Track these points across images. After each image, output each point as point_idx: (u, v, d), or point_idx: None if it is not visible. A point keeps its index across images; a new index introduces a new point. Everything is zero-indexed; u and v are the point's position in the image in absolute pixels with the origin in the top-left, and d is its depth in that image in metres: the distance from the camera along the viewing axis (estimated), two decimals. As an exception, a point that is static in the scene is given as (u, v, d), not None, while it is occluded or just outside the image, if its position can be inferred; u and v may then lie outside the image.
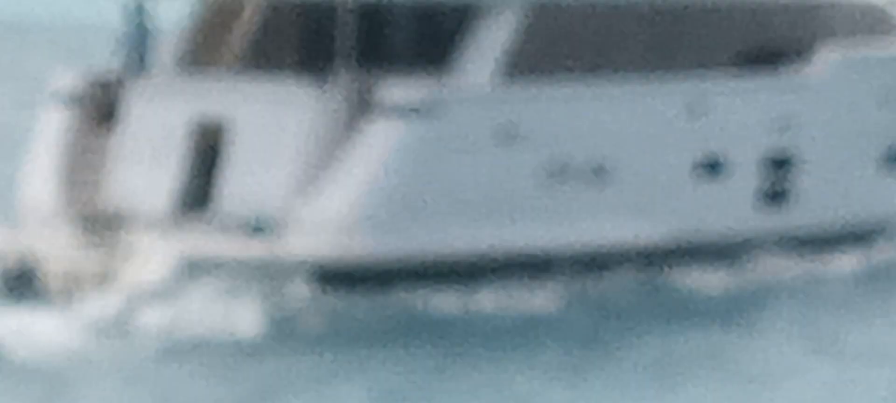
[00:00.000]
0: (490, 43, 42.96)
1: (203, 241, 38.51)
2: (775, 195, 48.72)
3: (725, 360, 35.57)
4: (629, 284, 43.69)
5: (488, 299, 40.18)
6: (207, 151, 41.81)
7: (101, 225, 40.47)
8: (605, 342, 37.66)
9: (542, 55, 44.54)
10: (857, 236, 50.82)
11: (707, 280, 44.66)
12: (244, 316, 34.32)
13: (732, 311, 42.93)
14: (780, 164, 48.69)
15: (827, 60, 50.37)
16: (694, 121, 46.75)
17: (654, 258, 44.63)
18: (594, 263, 44.11)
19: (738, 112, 49.32)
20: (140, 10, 44.39)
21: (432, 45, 45.13)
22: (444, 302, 39.47)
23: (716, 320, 41.87)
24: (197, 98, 43.38)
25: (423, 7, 46.45)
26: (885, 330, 40.68)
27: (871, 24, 54.44)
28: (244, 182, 40.86)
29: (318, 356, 34.21)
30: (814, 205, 49.97)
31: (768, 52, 49.47)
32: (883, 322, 42.22)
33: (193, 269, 36.14)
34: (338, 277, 38.57)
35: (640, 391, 30.06)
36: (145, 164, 42.31)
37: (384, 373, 31.72)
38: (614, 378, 32.71)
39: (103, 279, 37.03)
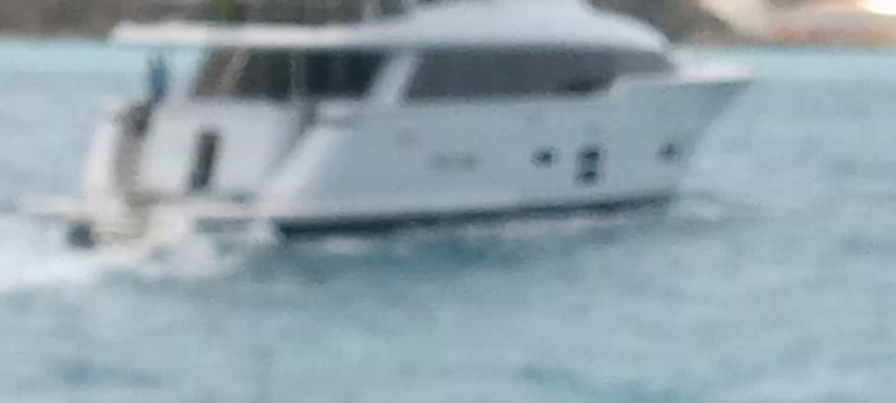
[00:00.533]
0: (395, 77, 55.33)
1: (205, 208, 50.71)
2: (588, 175, 62.03)
3: (543, 290, 47.58)
4: (486, 236, 56.62)
5: (378, 246, 53.55)
6: (208, 150, 53.88)
7: (136, 200, 52.55)
8: (445, 275, 50.99)
9: (430, 84, 56.99)
10: (644, 202, 65.66)
11: (541, 232, 58.42)
12: (224, 260, 47.55)
13: (554, 253, 55.29)
14: (590, 155, 62.14)
15: (622, 88, 64.05)
16: (532, 127, 59.69)
17: (507, 217, 58.42)
18: (465, 220, 58.08)
19: (562, 122, 62.04)
20: (161, 60, 56.74)
21: (357, 77, 56.62)
22: (357, 247, 53.18)
23: (541, 260, 54.37)
24: (201, 115, 55.18)
25: (351, 52, 57.44)
26: (660, 267, 54.98)
27: (653, 64, 67.93)
28: (232, 169, 52.65)
29: (266, 285, 47.01)
30: (614, 182, 63.49)
31: (582, 82, 63.02)
32: (659, 260, 56.18)
33: (199, 227, 49.25)
34: (292, 230, 51.26)
35: (461, 312, 41.99)
36: (166, 159, 53.90)
37: (294, 303, 44.39)
38: (442, 302, 43.77)
39: (137, 236, 49.91)
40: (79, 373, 30.24)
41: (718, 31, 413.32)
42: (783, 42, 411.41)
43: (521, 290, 45.82)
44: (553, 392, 29.01)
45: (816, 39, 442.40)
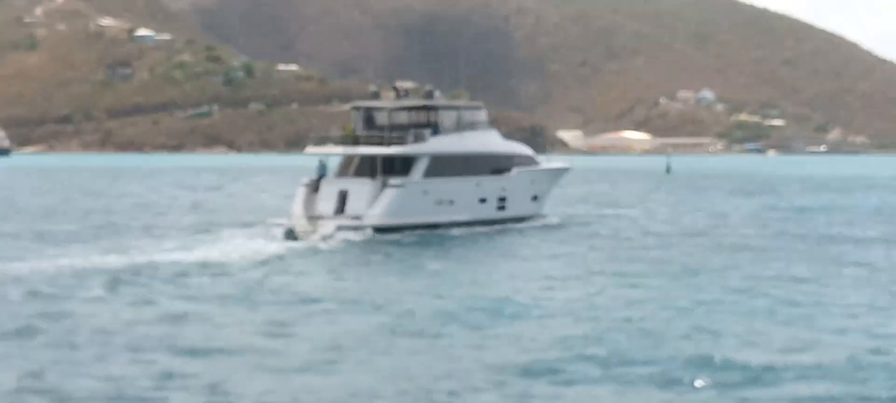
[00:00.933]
0: (419, 167, 77.56)
1: (341, 222, 72.84)
2: (501, 208, 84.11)
3: (479, 256, 67.80)
4: (458, 234, 77.72)
5: (412, 238, 74.85)
6: (342, 198, 75.64)
7: (312, 218, 74.43)
8: (439, 249, 70.57)
9: (434, 169, 78.18)
10: (524, 220, 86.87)
11: (481, 232, 79.69)
12: (349, 244, 69.43)
13: (485, 241, 75.77)
14: (502, 199, 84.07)
15: (515, 171, 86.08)
16: (477, 187, 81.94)
17: (466, 226, 79.20)
18: (448, 227, 78.93)
19: (490, 185, 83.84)
20: (323, 161, 79.41)
21: (404, 166, 77.87)
22: (403, 239, 73.90)
23: (480, 243, 74.52)
24: (340, 183, 77.27)
25: (401, 156, 78.42)
26: (524, 246, 73.31)
27: (528, 161, 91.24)
28: (352, 206, 74.88)
29: (369, 252, 67.35)
30: (513, 211, 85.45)
31: (498, 168, 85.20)
32: (525, 242, 75.15)
33: (339, 229, 71.75)
34: (377, 231, 72.83)
35: (445, 266, 60.39)
36: (325, 201, 76.03)
37: (383, 256, 67.57)
38: (437, 261, 63.40)
39: (313, 233, 71.67)
40: (297, 301, 46.31)
41: (562, 147, 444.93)
42: (591, 152, 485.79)
43: (471, 256, 66.89)
44: (481, 300, 44.59)
45: (605, 150, 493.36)
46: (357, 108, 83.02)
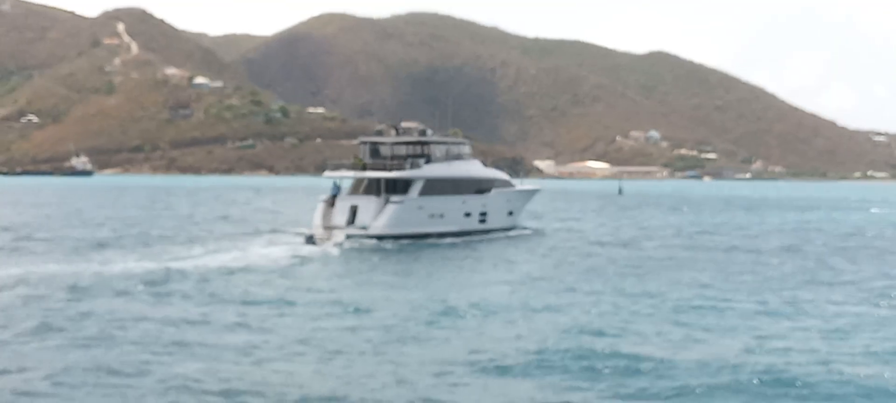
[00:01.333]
0: (416, 187, 75.82)
1: (351, 232, 71.86)
2: (483, 221, 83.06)
3: (462, 261, 64.86)
4: (447, 243, 75.67)
5: (409, 246, 73.30)
6: (353, 211, 74.18)
7: (328, 228, 73.32)
8: (430, 255, 68.52)
9: (427, 189, 76.61)
10: (502, 231, 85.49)
11: (466, 242, 77.65)
12: (357, 251, 67.66)
13: (468, 248, 73.01)
14: (484, 214, 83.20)
15: (494, 192, 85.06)
16: (463, 204, 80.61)
17: (452, 236, 78.09)
18: (439, 237, 77.43)
19: (473, 203, 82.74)
20: (337, 182, 77.98)
21: (403, 186, 76.15)
22: (402, 247, 72.64)
23: (465, 250, 71.85)
24: (351, 200, 75.49)
25: (401, 178, 76.88)
26: (503, 252, 70.19)
27: (506, 184, 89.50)
28: (360, 219, 73.38)
29: (373, 257, 65.32)
30: (492, 224, 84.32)
31: (480, 189, 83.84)
32: (501, 250, 72.00)
33: (349, 238, 71.24)
34: (379, 239, 71.64)
35: (434, 269, 59.75)
36: (339, 214, 74.52)
37: (384, 260, 66.97)
38: (429, 265, 64.42)
39: (328, 240, 70.73)
40: (298, 297, 44.80)
41: (538, 173, 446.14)
42: (561, 177, 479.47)
43: (457, 260, 64.52)
44: (464, 299, 43.01)
45: (572, 175, 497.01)
46: (365, 142, 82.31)
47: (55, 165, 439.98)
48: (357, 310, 39.56)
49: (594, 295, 44.70)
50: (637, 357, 28.86)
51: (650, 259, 66.70)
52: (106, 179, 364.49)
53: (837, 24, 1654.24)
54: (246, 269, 55.54)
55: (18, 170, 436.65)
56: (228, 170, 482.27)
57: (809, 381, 26.51)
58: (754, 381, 26.03)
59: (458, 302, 41.74)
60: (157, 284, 47.55)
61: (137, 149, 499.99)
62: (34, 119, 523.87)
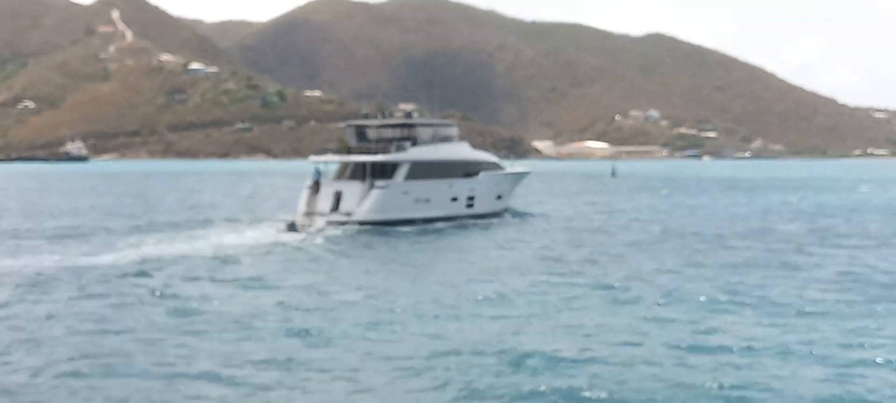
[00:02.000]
0: (401, 170, 74.23)
1: (335, 218, 70.38)
2: (470, 205, 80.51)
3: (451, 243, 64.83)
4: (433, 228, 72.94)
5: (393, 231, 70.18)
6: (337, 197, 72.80)
7: (311, 214, 71.86)
8: (417, 240, 66.22)
9: (414, 173, 75.17)
10: (490, 216, 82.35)
11: (454, 226, 75.19)
12: (341, 236, 65.22)
13: (457, 232, 71.32)
14: (471, 198, 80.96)
15: (483, 175, 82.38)
16: (450, 188, 78.49)
17: (440, 221, 75.83)
18: (425, 222, 74.76)
19: (461, 186, 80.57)
20: (318, 168, 76.28)
21: (389, 171, 74.68)
22: (386, 232, 69.72)
23: (453, 234, 70.32)
24: (336, 185, 74.09)
25: (387, 162, 75.33)
26: (490, 236, 67.59)
27: (495, 166, 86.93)
28: (345, 205, 72.05)
29: (358, 241, 64.03)
30: (480, 208, 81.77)
31: (468, 172, 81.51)
32: (489, 235, 69.51)
33: (331, 224, 69.72)
34: (363, 224, 69.77)
35: (423, 253, 58.29)
36: (323, 200, 72.98)
37: (368, 246, 63.82)
38: (415, 248, 62.36)
39: (310, 227, 69.04)
40: (294, 268, 50.13)
41: (537, 154, 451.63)
42: (560, 158, 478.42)
43: (444, 243, 64.39)
44: (452, 281, 43.25)
45: (571, 156, 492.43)
46: (350, 126, 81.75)
47: (51, 151, 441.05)
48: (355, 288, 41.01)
49: (554, 286, 41.91)
50: (562, 349, 27.30)
51: (624, 243, 63.17)
52: (101, 165, 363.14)
53: (838, 2, 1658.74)
54: (215, 257, 54.21)
55: (14, 155, 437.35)
56: (225, 154, 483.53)
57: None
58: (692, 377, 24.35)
59: (420, 296, 39.50)
60: (133, 275, 46.17)
61: (134, 133, 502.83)
62: (30, 105, 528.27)
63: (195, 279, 44.84)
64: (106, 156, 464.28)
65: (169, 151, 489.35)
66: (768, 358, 27.56)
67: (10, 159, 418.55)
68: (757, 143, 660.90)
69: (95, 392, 24.42)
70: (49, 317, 34.51)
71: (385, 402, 24.34)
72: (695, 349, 28.54)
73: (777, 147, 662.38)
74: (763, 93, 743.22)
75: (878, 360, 27.07)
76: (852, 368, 26.33)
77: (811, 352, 28.30)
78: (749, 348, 28.79)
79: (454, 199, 79.30)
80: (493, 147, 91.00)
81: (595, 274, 47.18)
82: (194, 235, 69.02)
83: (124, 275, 46.09)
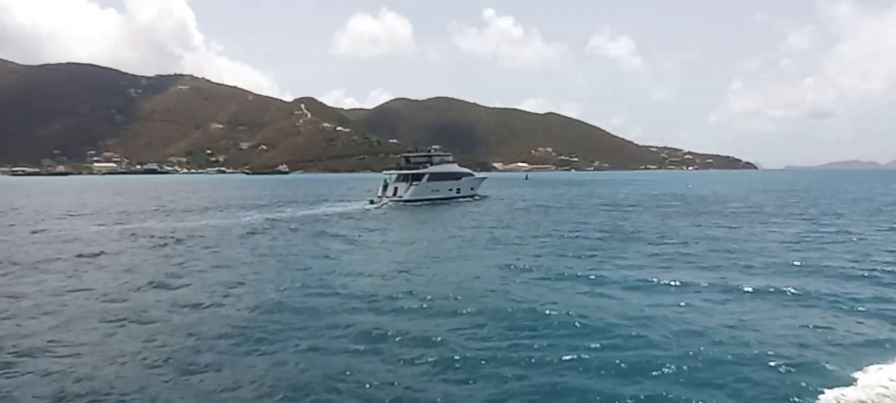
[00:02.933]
0: (425, 177, 68.71)
1: (391, 200, 65.20)
2: (458, 192, 74.49)
3: (444, 214, 55.71)
4: (440, 206, 64.12)
5: (419, 207, 63.66)
6: (395, 190, 67.26)
7: (382, 199, 66.53)
8: (432, 211, 59.02)
9: (430, 180, 69.26)
10: (470, 198, 76.32)
11: (448, 204, 65.87)
12: (394, 209, 59.16)
13: (447, 206, 63.02)
14: (458, 190, 74.44)
15: (464, 179, 76.34)
16: (446, 183, 71.94)
17: (442, 201, 68.07)
18: (435, 202, 67.11)
19: (452, 185, 73.99)
20: (387, 178, 71.14)
21: (418, 178, 68.90)
22: (418, 207, 63.79)
23: (447, 207, 61.86)
24: (394, 184, 68.43)
25: (418, 173, 69.79)
26: (464, 209, 59.40)
27: (468, 175, 78.78)
28: (397, 194, 66.69)
29: (404, 210, 58.34)
30: (462, 194, 75.04)
31: (455, 178, 74.84)
32: (462, 208, 61.17)
33: (392, 203, 64.39)
34: (406, 202, 64.41)
35: (434, 220, 49.34)
36: (388, 191, 67.64)
37: (409, 214, 57.35)
38: (430, 216, 54.52)
39: (381, 204, 63.40)
40: (376, 217, 47.97)
41: (495, 169, 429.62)
42: (505, 171, 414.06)
43: (444, 215, 53.47)
44: (438, 234, 36.33)
45: (510, 170, 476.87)
46: (402, 156, 77.28)
47: (271, 169, 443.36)
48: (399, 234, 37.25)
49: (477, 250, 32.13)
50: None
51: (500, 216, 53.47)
52: (295, 176, 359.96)
53: (635, 91, 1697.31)
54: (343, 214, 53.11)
55: (253, 172, 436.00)
56: (352, 170, 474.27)
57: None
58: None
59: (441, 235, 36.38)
60: (306, 222, 44.60)
61: (311, 161, 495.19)
62: (264, 147, 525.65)
63: (350, 216, 47.88)
64: (298, 172, 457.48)
65: (326, 169, 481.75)
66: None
67: (255, 173, 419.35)
68: (595, 164, 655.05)
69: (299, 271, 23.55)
70: (260, 245, 32.59)
71: (394, 270, 23.44)
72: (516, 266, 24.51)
73: (606, 165, 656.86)
74: (599, 140, 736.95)
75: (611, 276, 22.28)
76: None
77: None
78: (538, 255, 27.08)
79: (450, 190, 74.75)
80: (471, 165, 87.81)
81: (505, 221, 46.03)
82: (332, 204, 68.25)
83: (302, 223, 44.76)
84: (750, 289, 18.91)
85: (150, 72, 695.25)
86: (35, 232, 39.19)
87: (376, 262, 25.01)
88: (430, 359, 12.78)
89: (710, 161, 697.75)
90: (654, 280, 20.51)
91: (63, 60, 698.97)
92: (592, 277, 21.12)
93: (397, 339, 14.23)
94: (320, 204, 65.58)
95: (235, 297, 18.81)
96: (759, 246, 28.70)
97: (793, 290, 18.68)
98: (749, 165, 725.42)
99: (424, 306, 17.26)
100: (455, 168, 76.09)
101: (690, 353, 12.90)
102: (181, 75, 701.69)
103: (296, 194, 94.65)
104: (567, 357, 12.74)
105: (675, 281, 20.35)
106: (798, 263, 23.84)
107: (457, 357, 12.82)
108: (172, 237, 34.56)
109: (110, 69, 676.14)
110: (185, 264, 25.11)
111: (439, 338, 14.09)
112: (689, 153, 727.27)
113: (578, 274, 21.69)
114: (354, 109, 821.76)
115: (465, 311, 16.45)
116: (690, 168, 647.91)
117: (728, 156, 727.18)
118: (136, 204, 69.20)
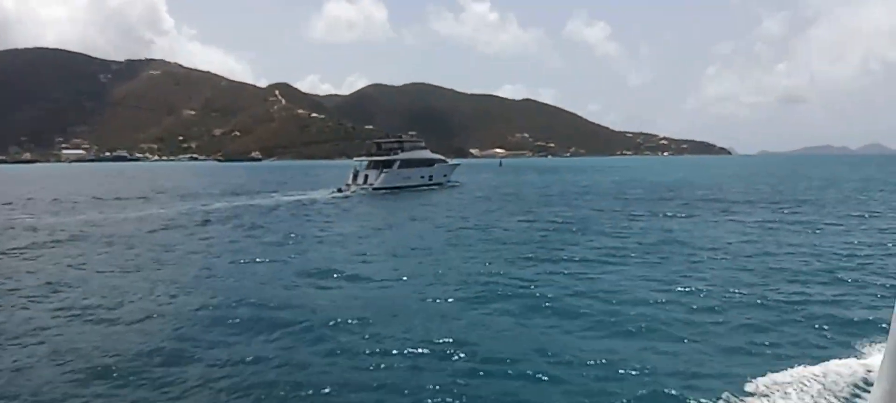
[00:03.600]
0: (396, 163, 67.77)
1: (360, 188, 64.24)
2: (430, 179, 73.21)
3: (424, 200, 55.87)
4: (414, 192, 63.79)
5: (391, 195, 65.38)
6: (365, 177, 66.67)
7: (350, 187, 65.99)
8: (404, 198, 59.15)
9: (402, 166, 68.51)
10: (439, 185, 74.35)
11: (420, 190, 66.12)
12: (364, 196, 59.53)
13: (419, 193, 62.67)
14: (431, 177, 73.35)
15: (437, 165, 74.97)
16: (419, 170, 71.27)
17: (416, 188, 67.40)
18: (409, 189, 67.63)
19: (425, 172, 72.97)
20: (357, 165, 69.60)
21: (389, 164, 68.00)
22: (386, 195, 63.71)
23: (419, 193, 62.02)
24: (364, 171, 67.65)
25: (388, 159, 68.88)
26: (441, 198, 59.68)
27: (442, 162, 77.75)
28: (368, 181, 65.94)
29: (372, 198, 58.47)
30: (436, 180, 74.05)
31: (429, 165, 73.89)
32: (440, 196, 60.92)
33: (359, 189, 63.77)
34: (376, 189, 63.40)
35: (409, 205, 51.72)
36: (359, 178, 67.05)
37: (379, 203, 55.96)
38: (403, 202, 54.65)
39: (349, 191, 63.45)
40: (344, 204, 49.39)
41: (471, 155, 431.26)
42: (481, 158, 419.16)
43: (413, 195, 58.28)
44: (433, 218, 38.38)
45: (487, 157, 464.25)
46: (372, 142, 76.40)
47: (245, 156, 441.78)
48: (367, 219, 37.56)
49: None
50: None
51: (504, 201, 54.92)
52: (267, 163, 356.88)
53: (611, 76, 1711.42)
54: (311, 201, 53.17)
55: (225, 158, 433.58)
56: (327, 157, 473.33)
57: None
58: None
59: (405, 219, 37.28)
60: (271, 210, 45.27)
61: (284, 148, 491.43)
62: (237, 133, 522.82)
63: (305, 206, 47.57)
64: (270, 160, 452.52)
65: (300, 156, 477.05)
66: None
67: (227, 160, 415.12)
68: (571, 150, 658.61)
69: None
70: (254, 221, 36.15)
71: (379, 250, 24.68)
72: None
73: (582, 151, 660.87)
74: (576, 125, 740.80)
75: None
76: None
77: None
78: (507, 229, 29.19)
79: (422, 177, 73.51)
80: (448, 152, 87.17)
81: (475, 205, 45.65)
82: (303, 191, 67.90)
83: (278, 206, 47.67)
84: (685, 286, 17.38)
85: (120, 56, 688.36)
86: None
87: (304, 260, 22.87)
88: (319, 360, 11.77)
89: (685, 146, 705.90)
90: (593, 276, 19.00)
91: (31, 45, 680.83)
92: (525, 276, 19.19)
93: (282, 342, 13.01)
94: (276, 194, 63.77)
95: (118, 304, 16.21)
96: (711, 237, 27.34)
97: (739, 290, 16.91)
98: (723, 150, 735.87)
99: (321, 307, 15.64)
100: (427, 154, 74.73)
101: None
102: (152, 60, 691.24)
103: (255, 182, 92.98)
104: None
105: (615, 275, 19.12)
106: (750, 256, 22.26)
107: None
108: (64, 232, 31.66)
109: (79, 54, 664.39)
110: (73, 266, 21.91)
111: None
112: (665, 138, 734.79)
113: (512, 277, 18.96)
114: (330, 95, 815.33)
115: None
116: (666, 153, 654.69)
117: (703, 142, 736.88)
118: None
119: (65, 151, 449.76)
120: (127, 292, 17.26)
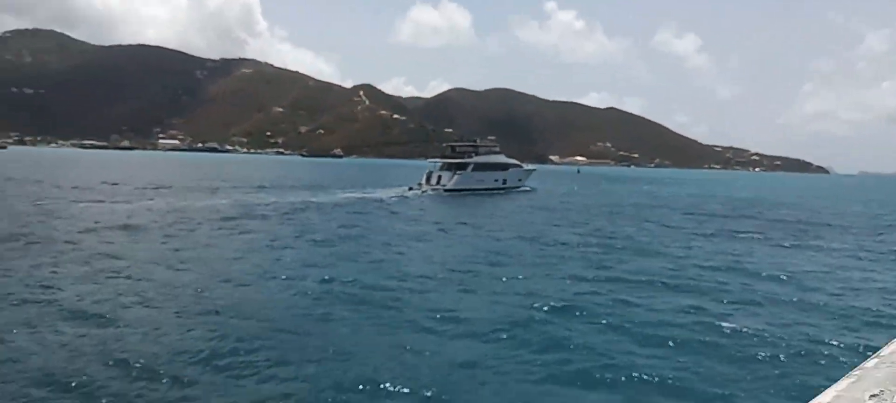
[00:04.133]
0: (470, 166, 67.95)
1: (435, 189, 65.41)
2: (505, 183, 73.64)
3: (491, 205, 55.86)
4: (486, 196, 64.98)
5: (465, 196, 65.46)
6: (438, 178, 67.16)
7: (425, 186, 66.78)
8: (476, 199, 60.87)
9: (476, 169, 68.66)
10: (515, 190, 74.77)
11: (496, 194, 67.07)
12: (437, 196, 60.98)
13: (495, 196, 64.08)
14: (505, 181, 73.40)
15: (512, 170, 75.18)
16: (493, 174, 71.34)
17: (490, 193, 67.55)
18: (483, 192, 67.36)
19: (500, 176, 73.16)
20: (431, 167, 70.75)
21: (464, 166, 68.16)
22: (463, 197, 64.97)
23: (493, 196, 63.83)
24: (438, 172, 67.92)
25: (463, 162, 69.15)
26: (509, 201, 60.61)
27: (517, 166, 77.47)
28: (441, 182, 66.67)
29: (445, 199, 59.42)
30: (509, 184, 74.11)
31: (504, 169, 73.98)
32: (511, 199, 61.56)
33: (434, 190, 64.94)
34: (449, 191, 64.22)
35: (479, 206, 53.83)
36: (433, 179, 67.56)
37: (451, 201, 58.37)
38: (479, 201, 57.64)
39: (424, 191, 64.44)
40: (418, 201, 51.35)
41: (551, 162, 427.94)
42: (561, 164, 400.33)
43: (485, 199, 58.65)
44: (477, 224, 37.38)
45: (567, 163, 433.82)
46: (447, 145, 76.20)
47: (328, 153, 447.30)
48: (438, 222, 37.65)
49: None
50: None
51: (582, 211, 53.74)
52: (350, 161, 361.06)
53: (700, 89, 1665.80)
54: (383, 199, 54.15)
55: (309, 154, 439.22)
56: (408, 156, 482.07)
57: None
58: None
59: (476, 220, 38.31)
60: (351, 205, 46.34)
61: (368, 146, 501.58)
62: (321, 131, 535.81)
63: (380, 203, 48.19)
64: (353, 157, 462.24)
65: (381, 155, 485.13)
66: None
67: (311, 156, 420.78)
68: (657, 161, 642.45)
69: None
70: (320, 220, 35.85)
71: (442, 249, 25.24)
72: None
73: (668, 162, 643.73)
74: (661, 136, 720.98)
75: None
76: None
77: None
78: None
79: (496, 180, 73.75)
80: (528, 158, 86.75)
81: (548, 210, 46.92)
82: (381, 189, 69.30)
83: (350, 203, 47.94)
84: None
85: (215, 55, 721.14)
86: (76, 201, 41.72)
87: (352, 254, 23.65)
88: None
89: (778, 163, 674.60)
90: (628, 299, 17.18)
91: (133, 42, 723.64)
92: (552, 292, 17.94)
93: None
94: (351, 190, 65.27)
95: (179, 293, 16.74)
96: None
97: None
98: (821, 169, 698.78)
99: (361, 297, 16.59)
100: (502, 158, 74.69)
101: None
102: (245, 59, 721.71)
103: (332, 178, 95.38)
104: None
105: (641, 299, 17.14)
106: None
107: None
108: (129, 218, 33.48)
109: (178, 52, 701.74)
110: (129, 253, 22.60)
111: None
112: (757, 154, 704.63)
113: (540, 296, 17.50)
114: (413, 97, 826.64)
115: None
116: (757, 169, 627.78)
117: (798, 159, 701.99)
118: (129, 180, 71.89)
119: (161, 141, 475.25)
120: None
